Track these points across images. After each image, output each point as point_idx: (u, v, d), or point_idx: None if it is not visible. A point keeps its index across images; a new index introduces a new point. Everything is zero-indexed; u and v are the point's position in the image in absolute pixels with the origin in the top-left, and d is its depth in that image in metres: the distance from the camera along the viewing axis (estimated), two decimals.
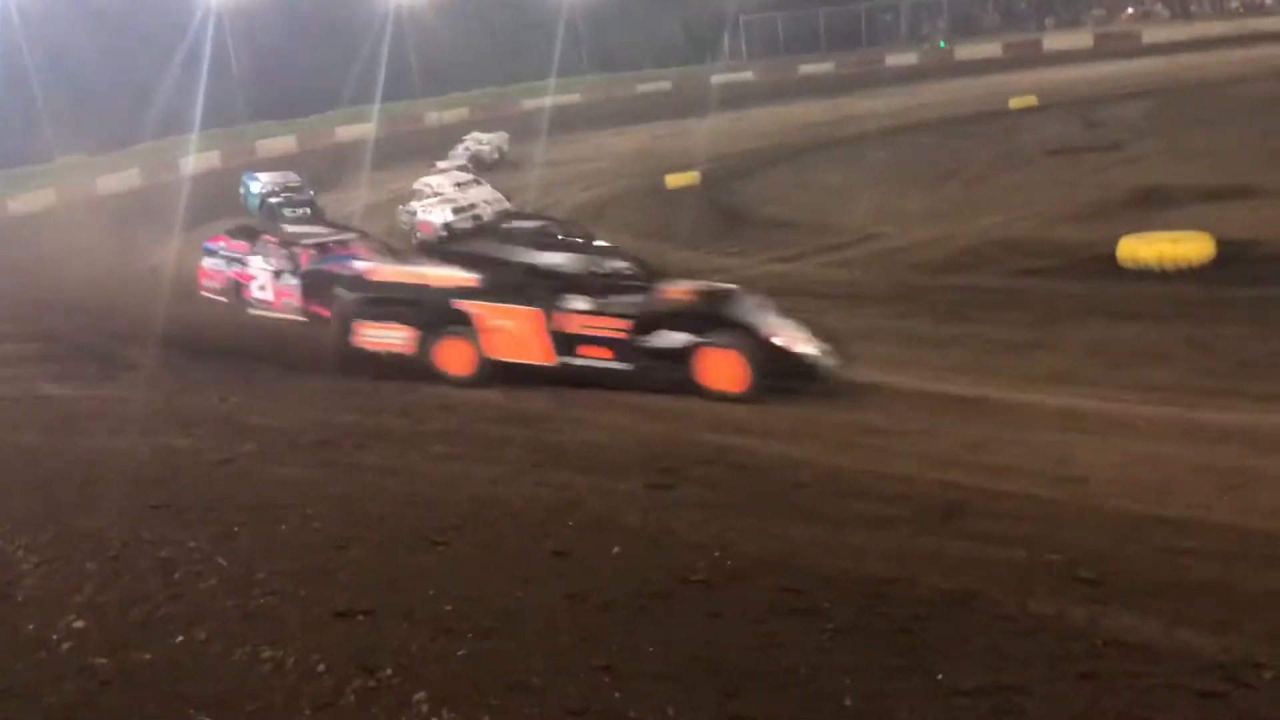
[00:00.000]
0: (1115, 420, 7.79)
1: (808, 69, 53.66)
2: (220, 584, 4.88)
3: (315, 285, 15.10)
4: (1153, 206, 15.36)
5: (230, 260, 17.37)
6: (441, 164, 30.64)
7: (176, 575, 4.99)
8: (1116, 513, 6.00)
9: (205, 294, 17.61)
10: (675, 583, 5.10)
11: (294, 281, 15.90)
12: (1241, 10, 50.55)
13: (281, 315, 15.95)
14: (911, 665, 4.28)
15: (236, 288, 17.07)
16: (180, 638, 4.31)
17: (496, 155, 34.78)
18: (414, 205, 23.78)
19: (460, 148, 34.63)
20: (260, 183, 30.35)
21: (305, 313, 15.43)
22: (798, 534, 6.05)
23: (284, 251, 16.43)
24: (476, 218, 22.09)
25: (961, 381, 9.15)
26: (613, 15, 58.60)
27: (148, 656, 4.14)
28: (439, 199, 23.67)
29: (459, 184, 25.00)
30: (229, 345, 13.77)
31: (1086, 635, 4.67)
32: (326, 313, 14.13)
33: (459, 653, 4.21)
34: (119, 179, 40.74)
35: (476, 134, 36.43)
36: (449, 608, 4.65)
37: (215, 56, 47.33)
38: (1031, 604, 5.04)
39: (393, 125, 47.58)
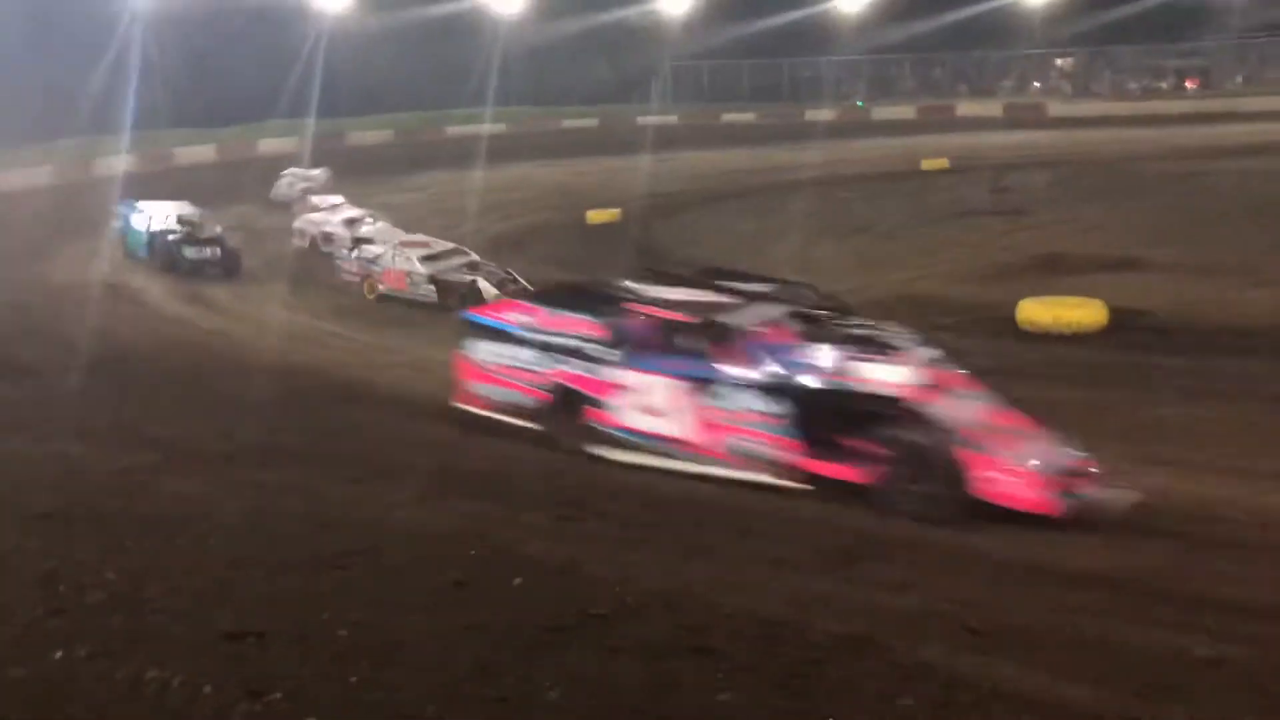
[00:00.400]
0: None
1: (730, 118, 54.73)
2: (107, 599, 4.71)
3: (828, 418, 7.90)
4: (1052, 272, 16.04)
5: (544, 350, 9.51)
6: (318, 199, 26.04)
7: (60, 588, 4.80)
8: (1006, 564, 6.22)
9: (471, 407, 10.09)
10: (575, 616, 5.10)
11: (775, 409, 8.16)
12: (1139, 93, 53.45)
13: (722, 472, 8.34)
14: (803, 708, 4.35)
15: (570, 403, 9.24)
16: (60, 654, 4.14)
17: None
18: (371, 250, 19.26)
19: (283, 182, 31.09)
20: (145, 215, 22.89)
21: (800, 473, 8.07)
22: (699, 571, 6.12)
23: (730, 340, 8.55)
24: (475, 265, 18.01)
25: None
26: (544, 50, 58.96)
27: (23, 673, 3.97)
28: (397, 245, 18.96)
29: (350, 220, 21.82)
30: (135, 351, 13.31)
31: (973, 684, 4.82)
32: (850, 473, 7.78)
33: (351, 680, 4.13)
34: (27, 175, 39.30)
35: (296, 169, 32.26)
36: (344, 633, 4.57)
37: (140, 60, 46.10)
38: (922, 651, 5.18)
39: (316, 143, 46.88)
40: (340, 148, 47.25)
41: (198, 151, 45.78)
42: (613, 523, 6.84)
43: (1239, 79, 52.46)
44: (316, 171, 31.70)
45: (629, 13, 60.25)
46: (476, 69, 54.82)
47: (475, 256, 18.66)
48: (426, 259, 18.34)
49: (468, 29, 56.95)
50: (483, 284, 17.12)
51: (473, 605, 5.09)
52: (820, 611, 5.62)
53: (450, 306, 16.19)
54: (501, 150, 40.73)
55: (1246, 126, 35.98)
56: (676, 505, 7.29)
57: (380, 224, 22.04)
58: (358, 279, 19.18)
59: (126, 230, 23.38)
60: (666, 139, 43.33)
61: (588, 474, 7.98)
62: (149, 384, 11.17)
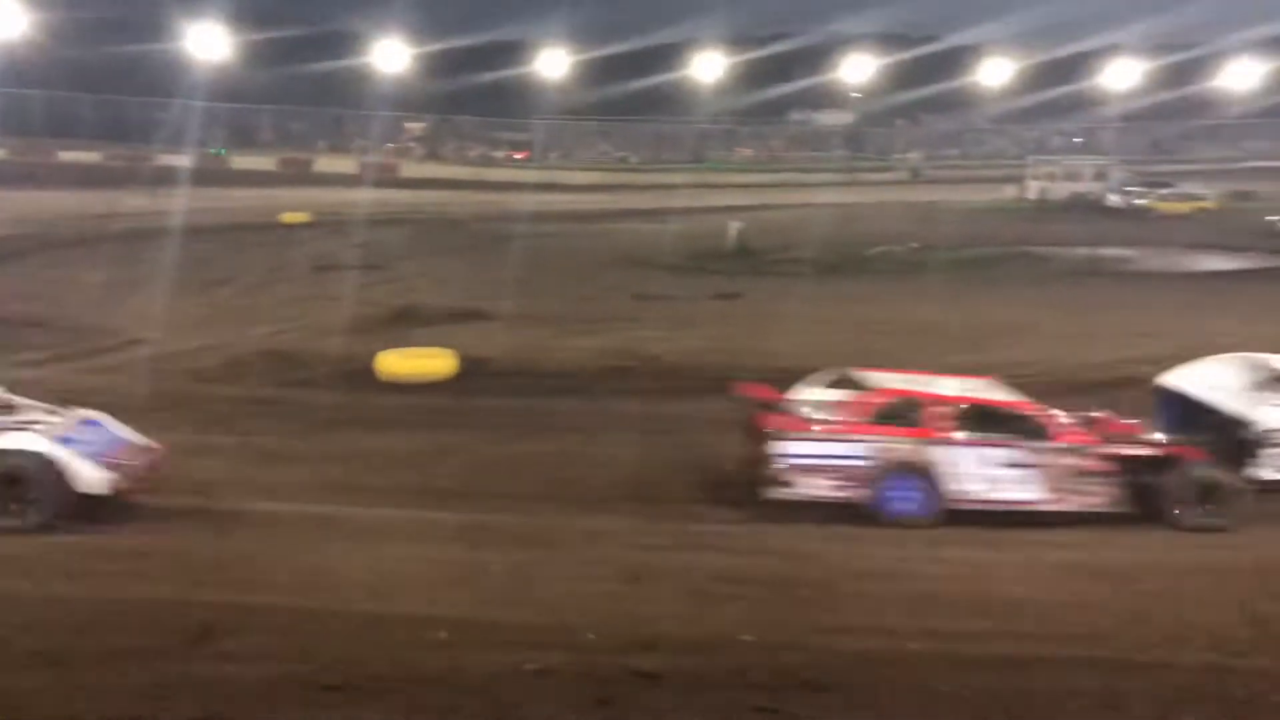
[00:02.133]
0: (364, 525, 8.38)
1: (70, 156, 49.17)
2: None
3: None
4: (408, 324, 16.97)
5: None
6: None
7: None
8: (360, 615, 6.45)
9: None
10: None
11: None
12: (478, 160, 59.65)
13: None
14: None
15: None
16: None
17: None
18: None
19: None
20: None
21: None
22: (25, 682, 5.43)
23: None
24: None
25: (221, 494, 9.03)
26: None
27: None
28: None
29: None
30: None
31: None
32: None
33: None
34: None
35: None
36: None
37: None
38: (278, 718, 5.18)
39: None
40: None
41: None
42: None
43: (555, 155, 61.21)
44: None
45: None
46: None
47: None
48: None
49: None
50: None
51: None
52: (171, 699, 5.32)
53: None
54: None
55: (565, 196, 42.57)
56: None
57: None
58: None
59: None
60: None
61: None
62: None
